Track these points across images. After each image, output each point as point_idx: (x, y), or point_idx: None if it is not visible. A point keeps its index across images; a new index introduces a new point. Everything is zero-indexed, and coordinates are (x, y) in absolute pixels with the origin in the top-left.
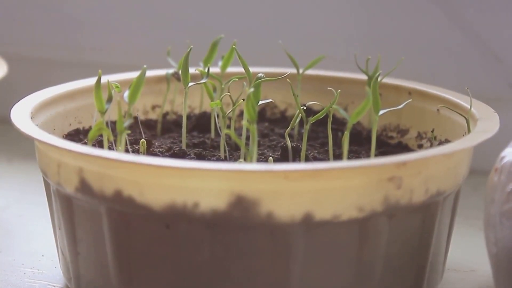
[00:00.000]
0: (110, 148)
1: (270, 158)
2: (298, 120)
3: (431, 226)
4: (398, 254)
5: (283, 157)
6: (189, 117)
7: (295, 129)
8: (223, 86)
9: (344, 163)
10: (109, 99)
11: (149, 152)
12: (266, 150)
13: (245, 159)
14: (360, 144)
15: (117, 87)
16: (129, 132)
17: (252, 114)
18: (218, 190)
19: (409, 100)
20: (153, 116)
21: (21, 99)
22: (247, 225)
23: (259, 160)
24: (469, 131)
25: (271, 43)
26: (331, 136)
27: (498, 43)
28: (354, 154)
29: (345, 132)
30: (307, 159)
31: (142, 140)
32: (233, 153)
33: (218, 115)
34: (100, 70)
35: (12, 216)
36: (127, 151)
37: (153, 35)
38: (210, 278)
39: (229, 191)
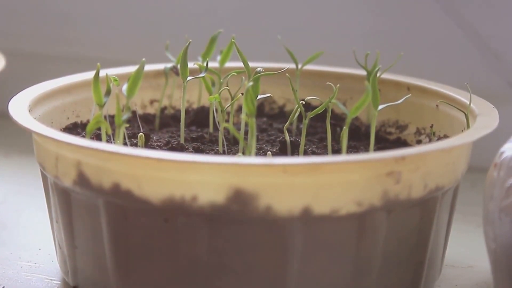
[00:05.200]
0: (108, 142)
1: (269, 152)
2: (297, 115)
3: (430, 221)
4: (397, 249)
5: (281, 152)
6: (187, 111)
7: (293, 124)
8: (221, 80)
9: (343, 157)
10: (108, 93)
11: (147, 146)
12: (264, 145)
13: (243, 153)
14: (359, 139)
15: (116, 80)
16: (127, 126)
17: (251, 108)
18: (217, 184)
19: (408, 96)
20: (151, 110)
21: (18, 93)
22: (245, 218)
23: (257, 154)
24: (468, 126)
25: (270, 38)
26: (329, 131)
27: (498, 41)
28: (352, 149)
29: (344, 127)
30: (305, 154)
31: (140, 134)
32: (232, 147)
33: (216, 110)
34: (98, 64)
35: (9, 210)
36: (125, 145)
37: (151, 29)
38: (208, 271)
39: (227, 184)
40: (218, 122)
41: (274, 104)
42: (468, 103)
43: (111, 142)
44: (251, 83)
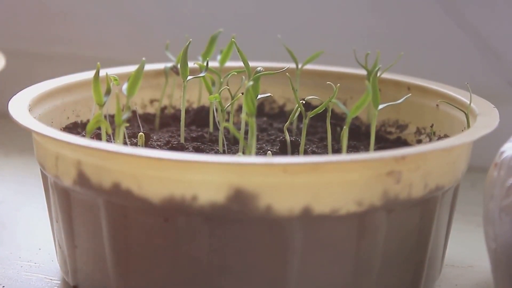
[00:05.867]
0: (108, 141)
1: (269, 152)
2: (297, 114)
3: (430, 221)
4: (397, 249)
5: (281, 151)
6: (187, 111)
7: (294, 124)
8: (222, 80)
9: (343, 156)
10: (108, 92)
11: (147, 145)
12: (264, 144)
13: (243, 153)
14: (359, 139)
15: (116, 80)
16: (127, 125)
17: (251, 108)
18: (217, 183)
19: (408, 95)
20: (151, 110)
21: (18, 93)
22: (245, 218)
23: (257, 154)
24: (468, 126)
25: (270, 38)
26: (330, 130)
27: (498, 40)
28: (353, 149)
29: (344, 127)
30: (305, 154)
31: (141, 133)
32: (232, 147)
33: (216, 109)
34: (98, 63)
35: (9, 209)
36: (125, 144)
37: (151, 29)
38: (208, 271)
39: (227, 184)
40: (218, 122)
41: (274, 103)
42: (468, 102)
43: (111, 142)
44: (251, 83)
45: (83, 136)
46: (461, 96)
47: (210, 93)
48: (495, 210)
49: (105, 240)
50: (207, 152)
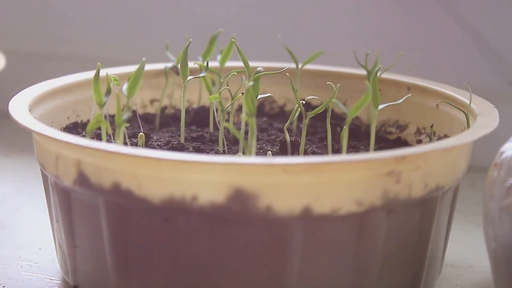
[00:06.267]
0: (108, 141)
1: (269, 152)
2: (297, 114)
3: (430, 221)
4: (397, 249)
5: (281, 151)
6: (187, 111)
7: (294, 124)
8: (222, 80)
9: (343, 156)
10: (108, 92)
11: (148, 146)
12: (264, 145)
13: (244, 153)
14: (359, 139)
15: (116, 80)
16: (128, 125)
17: (251, 108)
18: (217, 183)
19: (408, 95)
20: (151, 110)
21: (19, 92)
22: (245, 218)
23: (257, 154)
24: (468, 126)
25: (270, 38)
26: (330, 130)
27: (498, 40)
28: (353, 149)
29: (344, 127)
30: (305, 154)
31: (141, 133)
32: (232, 147)
33: (216, 109)
34: (99, 63)
35: (9, 209)
36: (125, 144)
37: (151, 29)
38: (208, 271)
39: (227, 184)
40: (218, 122)
41: (274, 103)
42: (468, 102)
43: (111, 142)
44: (251, 83)
45: (83, 136)
46: (461, 96)
47: (210, 93)
48: (495, 210)
49: (105, 240)
50: (207, 152)
